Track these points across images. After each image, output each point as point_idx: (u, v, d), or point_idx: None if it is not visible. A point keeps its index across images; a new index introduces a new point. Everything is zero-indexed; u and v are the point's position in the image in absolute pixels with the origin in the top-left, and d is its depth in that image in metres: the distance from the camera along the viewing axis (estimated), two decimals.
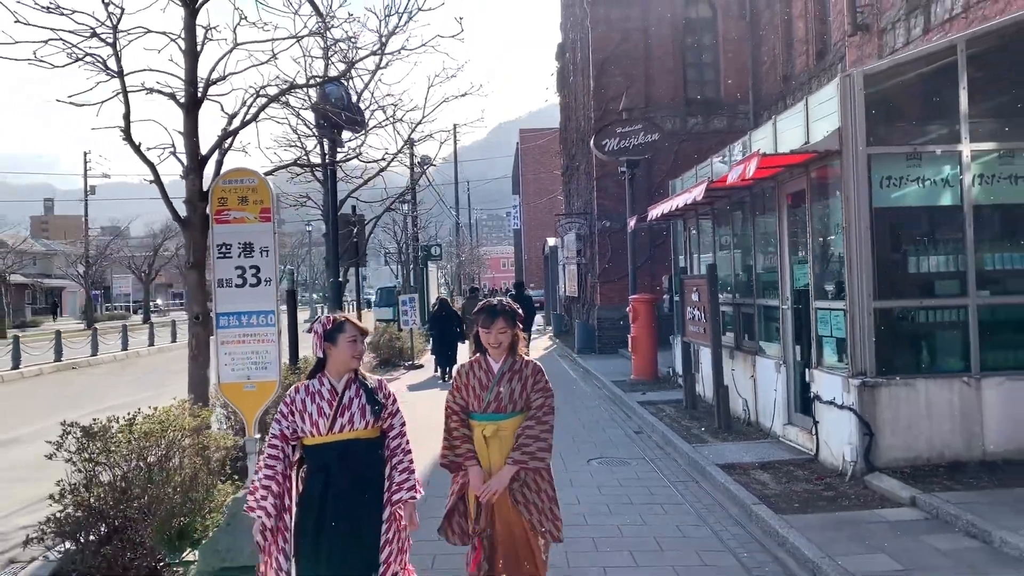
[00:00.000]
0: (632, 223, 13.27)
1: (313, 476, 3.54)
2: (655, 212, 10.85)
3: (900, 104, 7.00)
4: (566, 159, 28.68)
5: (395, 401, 3.69)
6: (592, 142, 16.36)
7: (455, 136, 25.22)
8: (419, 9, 7.78)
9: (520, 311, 3.96)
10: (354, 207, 14.42)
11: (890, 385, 6.55)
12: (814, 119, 7.43)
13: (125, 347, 25.42)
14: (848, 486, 6.43)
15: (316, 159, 12.58)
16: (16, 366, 19.59)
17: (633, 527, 5.89)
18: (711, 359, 9.34)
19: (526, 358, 3.98)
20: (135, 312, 64.06)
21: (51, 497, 5.16)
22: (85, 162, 55.94)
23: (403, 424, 3.67)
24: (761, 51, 19.46)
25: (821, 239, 7.53)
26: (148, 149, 6.80)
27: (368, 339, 4.50)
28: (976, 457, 6.52)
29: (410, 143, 13.97)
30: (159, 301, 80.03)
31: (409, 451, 3.64)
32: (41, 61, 5.99)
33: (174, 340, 29.50)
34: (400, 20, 8.50)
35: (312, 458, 3.55)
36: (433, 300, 20.93)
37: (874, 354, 6.60)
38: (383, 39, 8.49)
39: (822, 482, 6.62)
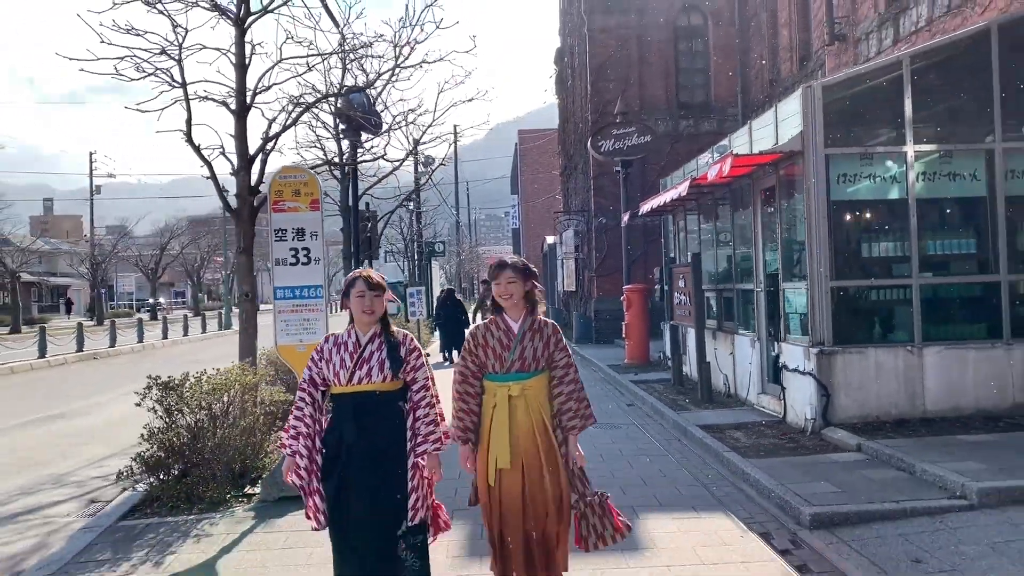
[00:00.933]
0: (626, 218, 14.35)
1: (333, 423, 3.70)
2: (646, 207, 11.93)
3: (854, 111, 8.06)
4: (564, 159, 29.76)
5: (420, 356, 3.81)
6: (589, 144, 17.43)
7: (455, 137, 26.26)
8: (436, 27, 8.83)
9: (532, 267, 3.91)
10: (367, 203, 15.48)
11: (844, 353, 7.62)
12: (782, 124, 8.50)
13: (141, 339, 26.46)
14: (807, 439, 7.51)
15: (333, 158, 13.66)
16: (43, 355, 20.63)
17: (623, 471, 6.95)
18: (695, 338, 10.41)
19: (543, 318, 3.94)
20: (137, 310, 64.96)
21: (141, 436, 6.23)
22: (91, 163, 56.93)
23: (427, 378, 3.77)
24: (749, 57, 20.53)
25: (788, 228, 8.60)
26: (204, 148, 7.87)
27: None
28: (918, 414, 7.59)
29: (415, 145, 15.06)
30: (161, 300, 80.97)
31: (434, 404, 3.74)
32: (120, 75, 7.06)
33: (186, 334, 30.52)
34: (413, 31, 9.56)
35: (335, 406, 3.72)
36: (438, 292, 22.03)
37: (831, 327, 7.67)
38: (398, 48, 9.57)
39: (786, 437, 7.70)
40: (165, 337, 28.28)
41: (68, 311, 57.20)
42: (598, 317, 20.48)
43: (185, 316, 33.20)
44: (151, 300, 59.70)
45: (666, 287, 12.86)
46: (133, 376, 17.47)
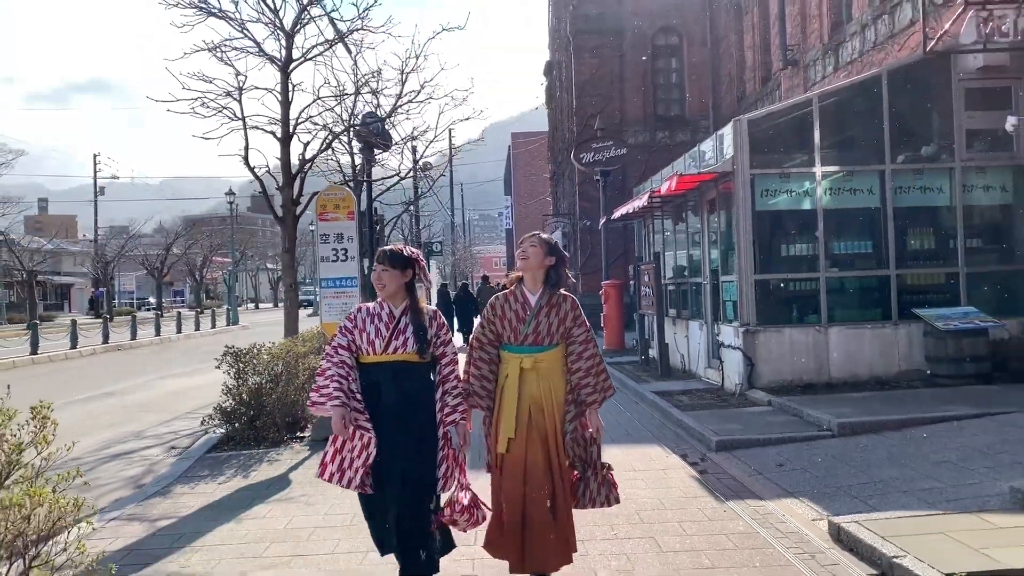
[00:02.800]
0: (603, 222, 16.36)
1: (365, 392, 3.76)
2: (617, 213, 13.95)
3: (774, 139, 10.07)
4: (553, 165, 31.77)
5: (447, 331, 3.91)
6: (572, 155, 19.42)
7: (450, 141, 28.31)
8: (442, 68, 10.81)
9: (554, 242, 4.02)
10: (375, 208, 17.44)
11: (765, 332, 9.63)
12: (721, 147, 10.51)
13: (158, 332, 28.37)
14: (734, 399, 9.53)
15: (346, 170, 15.64)
16: (74, 346, 22.53)
17: None
18: (656, 324, 12.42)
19: (564, 293, 3.95)
20: (138, 308, 66.71)
21: (223, 388, 8.20)
22: (95, 164, 58.80)
23: (455, 352, 3.89)
24: (720, 74, 22.58)
25: (725, 232, 10.62)
26: (255, 168, 9.84)
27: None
28: (824, 380, 9.60)
29: (415, 163, 17.09)
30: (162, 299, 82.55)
31: (461, 378, 3.85)
32: (195, 112, 9.03)
33: (197, 329, 32.42)
34: (418, 60, 11.50)
35: (365, 375, 3.78)
36: (436, 288, 24.15)
37: (755, 311, 9.68)
38: (405, 74, 11.54)
39: (719, 398, 9.72)
40: (179, 331, 30.17)
41: (96, 309, 58.56)
42: (584, 310, 22.45)
43: (196, 312, 35.08)
44: (152, 299, 61.53)
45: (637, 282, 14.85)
46: (162, 363, 19.47)
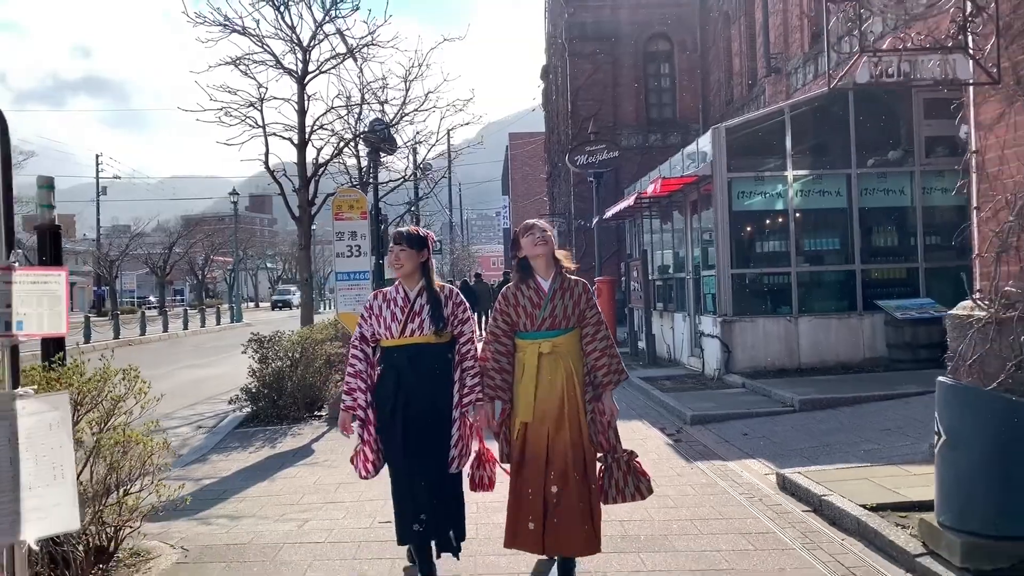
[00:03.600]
0: (595, 221, 17.26)
1: (386, 375, 3.84)
2: (608, 213, 14.84)
3: (750, 145, 10.96)
4: (550, 166, 32.65)
5: (466, 310, 3.93)
6: (567, 158, 20.30)
7: (449, 145, 29.10)
8: (444, 79, 11.71)
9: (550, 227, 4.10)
10: (380, 208, 18.33)
11: (741, 322, 10.53)
12: (701, 153, 11.41)
13: (166, 329, 29.21)
14: (712, 383, 10.43)
15: (352, 172, 16.53)
16: (87, 341, 23.40)
17: None
18: (644, 316, 13.32)
19: (573, 277, 4.00)
20: (139, 306, 67.47)
21: (249, 370, 9.09)
22: (97, 164, 59.55)
23: (473, 331, 3.93)
24: (709, 80, 23.47)
25: (706, 231, 11.52)
26: (275, 173, 10.71)
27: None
28: (795, 365, 10.49)
29: (416, 166, 17.99)
30: (156, 296, 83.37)
31: (496, 356, 3.85)
32: (221, 121, 9.91)
33: (203, 325, 33.27)
34: (419, 72, 12.40)
35: (386, 359, 3.85)
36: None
37: (732, 302, 10.57)
38: (408, 82, 12.43)
39: (698, 382, 10.62)
40: (186, 328, 31.02)
41: (94, 306, 59.23)
42: None
43: (202, 310, 35.90)
44: (152, 298, 62.34)
45: (627, 278, 15.76)
46: (174, 356, 20.33)
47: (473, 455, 3.96)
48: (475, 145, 17.44)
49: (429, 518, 3.74)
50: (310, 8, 10.29)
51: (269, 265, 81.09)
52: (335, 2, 10.58)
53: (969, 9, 4.12)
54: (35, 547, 2.39)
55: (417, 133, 15.07)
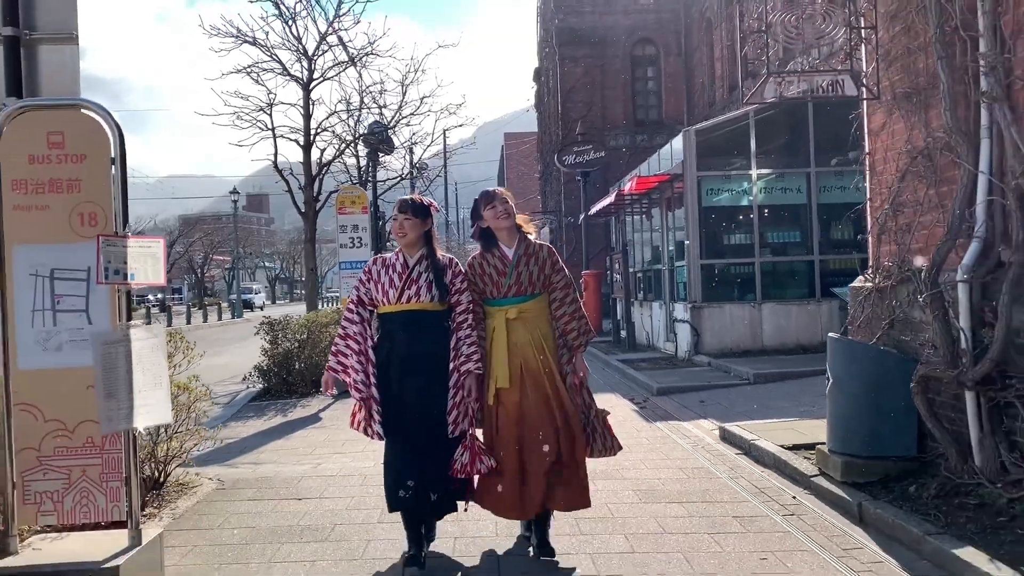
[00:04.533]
0: (581, 218, 18.26)
1: (382, 341, 3.87)
2: (592, 210, 15.83)
3: (718, 146, 11.95)
4: (542, 165, 33.65)
5: (464, 280, 3.91)
6: (555, 158, 21.30)
7: (445, 145, 30.09)
8: (438, 85, 12.68)
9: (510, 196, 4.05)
10: (378, 205, 19.30)
11: (709, 308, 11.52)
12: (675, 153, 12.40)
13: (170, 323, 30.13)
14: (682, 363, 11.43)
15: (352, 171, 17.51)
16: None
17: None
18: (624, 305, 14.31)
19: (538, 241, 4.03)
20: (138, 304, 68.33)
21: (261, 350, 10.06)
22: None
23: (471, 301, 3.88)
24: (693, 82, 24.49)
25: (679, 225, 12.51)
26: (282, 172, 11.69)
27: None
28: (758, 347, 11.49)
29: (412, 166, 18.96)
30: (159, 294, 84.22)
31: (475, 326, 3.86)
32: (235, 124, 10.88)
33: (205, 320, 34.21)
34: (414, 77, 13.39)
35: (382, 324, 3.88)
36: None
37: (701, 290, 11.57)
38: (405, 87, 13.41)
39: (670, 363, 11.62)
40: (188, 323, 31.96)
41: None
42: None
43: (204, 306, 36.84)
44: (151, 295, 63.21)
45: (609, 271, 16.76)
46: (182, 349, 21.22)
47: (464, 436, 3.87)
48: (468, 145, 18.41)
49: (420, 486, 3.72)
50: (315, 21, 11.25)
51: (267, 264, 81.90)
52: (338, 15, 11.55)
53: (854, 40, 5.11)
54: (143, 431, 3.33)
55: (413, 134, 16.06)
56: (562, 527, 4.24)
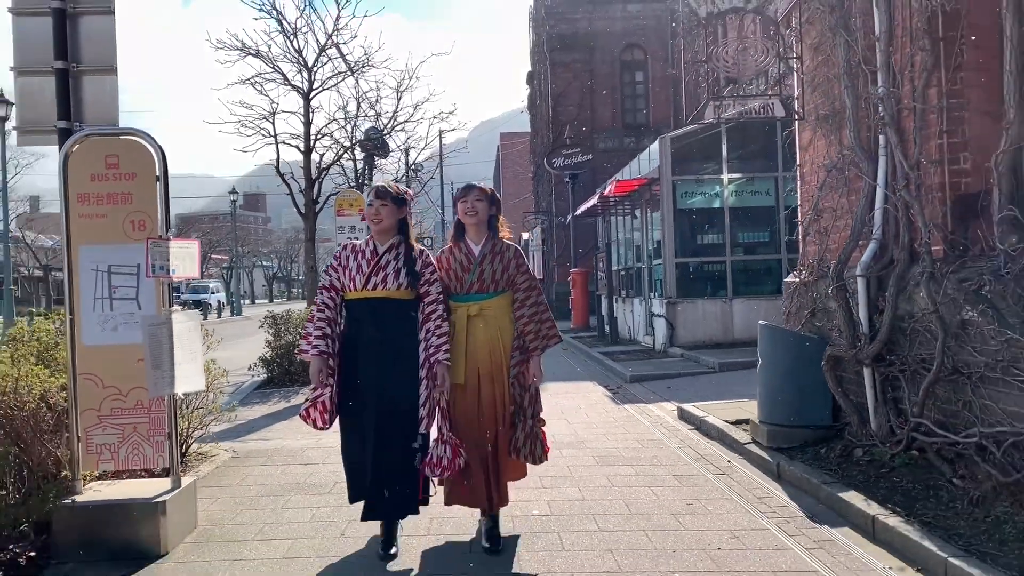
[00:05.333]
0: (568, 218, 19.06)
1: (348, 327, 3.87)
2: (579, 211, 16.64)
3: (692, 152, 12.77)
4: (534, 166, 34.43)
5: (434, 271, 3.91)
6: (545, 160, 22.09)
7: (441, 148, 30.75)
8: (431, 94, 13.46)
9: (491, 190, 4.08)
10: None
11: (683, 303, 12.34)
12: (652, 158, 13.21)
13: None
14: (658, 355, 12.25)
15: (351, 173, 18.31)
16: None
17: (551, 372, 11.62)
18: (607, 301, 15.13)
19: (507, 241, 4.04)
20: None
21: (266, 342, 10.85)
22: None
23: (440, 292, 3.88)
24: (680, 87, 25.30)
25: (656, 226, 13.33)
26: (282, 174, 12.47)
27: None
28: (729, 340, 12.30)
29: (407, 168, 19.77)
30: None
31: (445, 317, 3.85)
32: (240, 132, 11.66)
33: (205, 318, 34.99)
34: (409, 83, 14.18)
35: (349, 311, 3.87)
36: None
37: (675, 287, 12.39)
38: (400, 92, 14.20)
39: (647, 355, 12.43)
40: None
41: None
42: (558, 297, 25.19)
43: (205, 304, 37.57)
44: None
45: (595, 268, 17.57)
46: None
47: (436, 433, 3.90)
48: (461, 149, 19.19)
49: (382, 479, 3.74)
50: (315, 35, 12.04)
51: (265, 263, 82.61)
52: (336, 29, 12.32)
53: (784, 69, 5.91)
54: (181, 396, 4.13)
55: (408, 138, 16.90)
56: (525, 482, 5.01)
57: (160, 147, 4.13)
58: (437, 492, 4.08)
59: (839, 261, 5.19)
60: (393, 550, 3.84)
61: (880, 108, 4.92)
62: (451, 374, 3.87)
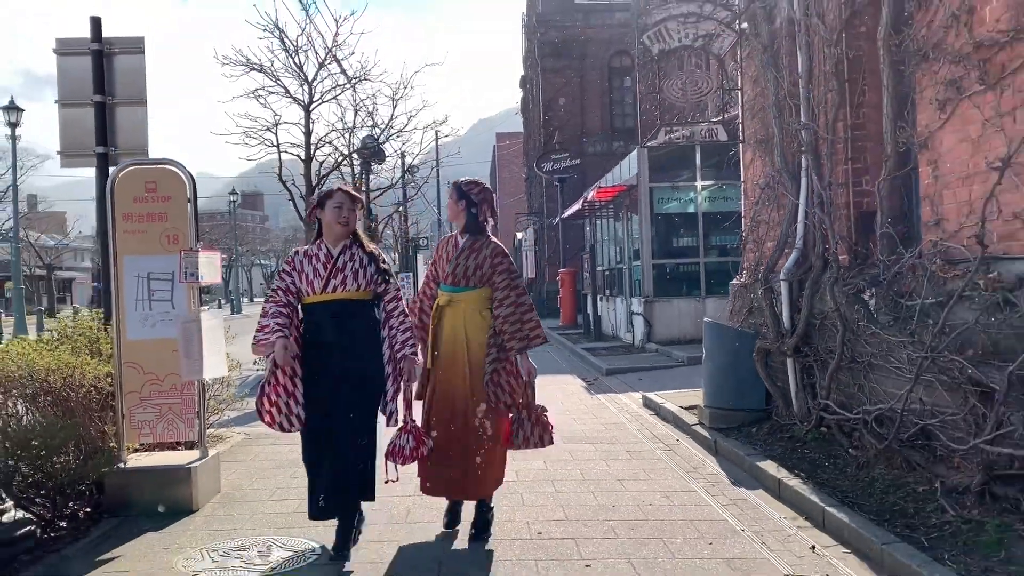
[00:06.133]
0: (556, 220, 19.93)
1: (307, 331, 3.85)
2: (565, 214, 17.51)
3: (667, 161, 13.63)
4: (527, 168, 35.29)
5: (390, 268, 3.96)
6: (535, 165, 22.96)
7: (437, 152, 31.52)
8: (424, 105, 14.31)
9: (466, 186, 4.12)
10: (371, 209, 20.91)
11: (660, 302, 13.20)
12: (631, 166, 14.07)
13: None
14: (636, 350, 13.12)
15: (347, 178, 19.16)
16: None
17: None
18: (591, 300, 15.99)
19: (491, 239, 4.07)
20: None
21: None
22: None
23: (398, 289, 3.96)
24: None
25: (635, 229, 14.18)
26: (286, 180, 13.32)
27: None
28: (700, 336, 13.13)
29: (403, 172, 20.63)
30: None
31: (407, 313, 3.95)
32: (245, 143, 12.50)
33: None
34: (404, 92, 15.02)
35: (308, 315, 3.86)
36: (422, 280, 27.64)
37: (653, 286, 13.25)
38: (395, 101, 15.05)
39: (626, 350, 13.30)
40: None
41: (95, 300, 61.55)
42: (549, 295, 26.05)
43: (205, 303, 38.53)
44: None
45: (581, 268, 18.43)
46: None
47: (400, 422, 3.94)
48: (454, 155, 20.02)
49: (340, 484, 3.77)
50: (316, 51, 12.87)
51: (263, 262, 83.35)
52: (336, 44, 13.16)
53: (726, 99, 6.77)
54: (209, 381, 4.99)
55: (404, 143, 17.78)
56: None
57: (190, 174, 4.98)
58: (399, 479, 4.06)
59: (767, 267, 6.06)
60: (349, 551, 3.88)
61: (802, 136, 5.78)
62: (429, 356, 4.06)
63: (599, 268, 17.12)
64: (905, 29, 4.59)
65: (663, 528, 4.29)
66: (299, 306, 3.89)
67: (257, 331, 3.79)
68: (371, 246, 4.00)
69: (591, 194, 13.96)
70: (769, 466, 5.12)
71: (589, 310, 17.00)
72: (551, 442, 4.22)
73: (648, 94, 6.79)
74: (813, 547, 3.94)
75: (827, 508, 4.19)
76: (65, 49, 6.07)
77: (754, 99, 6.70)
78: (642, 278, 13.39)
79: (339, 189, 3.99)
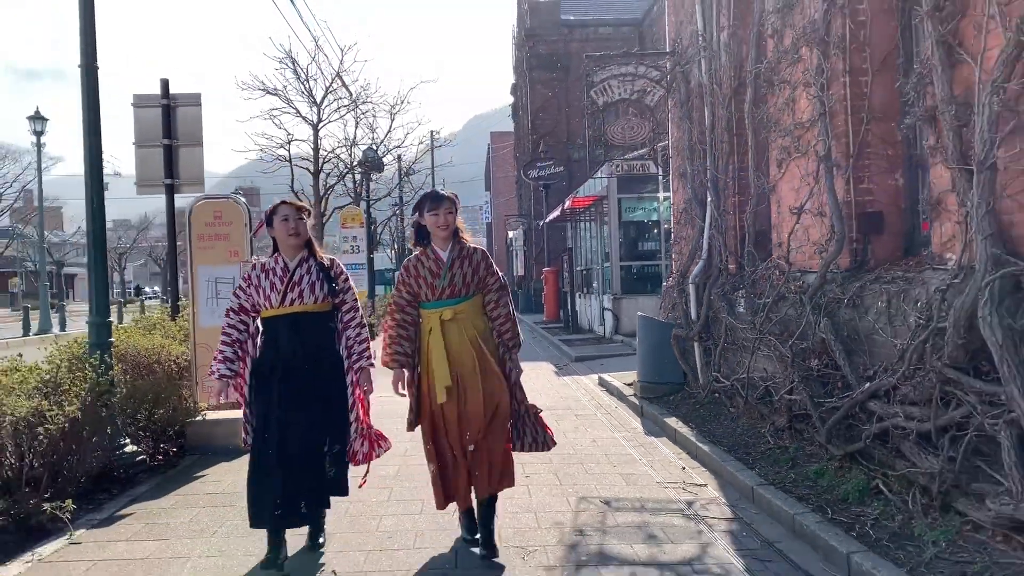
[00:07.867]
0: (541, 223, 21.76)
1: (266, 345, 3.92)
2: (548, 218, 19.33)
3: (634, 174, 15.45)
4: (518, 172, 37.10)
5: (347, 279, 4.03)
6: (522, 171, 24.75)
7: (433, 155, 33.22)
8: (419, 123, 16.10)
9: (456, 197, 4.11)
10: (371, 213, 22.71)
11: (626, 298, 15.02)
12: (603, 178, 15.88)
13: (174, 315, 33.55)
14: (605, 341, 14.95)
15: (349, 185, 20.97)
16: (120, 321, 27.77)
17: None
18: (570, 297, 17.83)
19: (472, 244, 4.10)
20: (136, 296, 71.46)
21: None
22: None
23: (355, 299, 4.01)
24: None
25: (606, 234, 16.01)
26: (296, 192, 15.12)
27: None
28: None
29: (401, 178, 22.41)
30: (156, 287, 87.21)
31: (364, 324, 4.00)
32: (261, 159, 14.28)
33: None
34: (403, 103, 16.83)
35: (266, 329, 3.92)
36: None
37: (620, 285, 15.07)
38: (393, 112, 16.85)
39: (596, 340, 15.13)
40: None
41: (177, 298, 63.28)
42: (536, 293, 27.89)
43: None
44: (148, 288, 66.50)
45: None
46: None
47: (355, 425, 4.01)
48: (448, 163, 21.78)
49: (295, 497, 3.76)
50: (324, 76, 14.69)
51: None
52: (342, 68, 14.98)
53: (655, 139, 8.58)
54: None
55: (402, 149, 19.73)
56: None
57: (247, 207, 6.78)
58: (365, 484, 4.28)
59: (682, 272, 7.88)
60: (283, 557, 3.84)
61: (706, 174, 7.60)
62: (437, 380, 3.91)
63: (577, 268, 18.96)
64: (762, 105, 6.41)
65: (584, 458, 6.12)
66: (258, 320, 3.98)
67: (216, 362, 3.90)
68: (324, 256, 4.04)
69: (568, 203, 15.78)
70: (672, 421, 6.95)
71: (568, 306, 18.84)
72: (553, 442, 4.33)
73: (594, 137, 8.56)
74: (683, 468, 5.79)
75: (699, 444, 6.03)
76: (140, 103, 7.87)
77: (678, 140, 8.51)
78: (611, 277, 15.22)
79: (283, 202, 4.07)
